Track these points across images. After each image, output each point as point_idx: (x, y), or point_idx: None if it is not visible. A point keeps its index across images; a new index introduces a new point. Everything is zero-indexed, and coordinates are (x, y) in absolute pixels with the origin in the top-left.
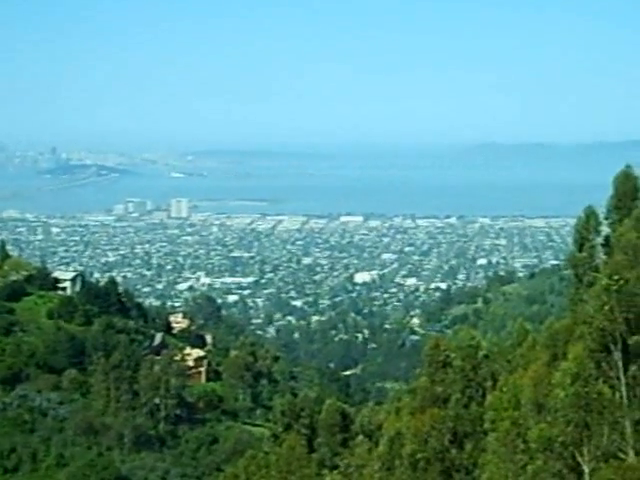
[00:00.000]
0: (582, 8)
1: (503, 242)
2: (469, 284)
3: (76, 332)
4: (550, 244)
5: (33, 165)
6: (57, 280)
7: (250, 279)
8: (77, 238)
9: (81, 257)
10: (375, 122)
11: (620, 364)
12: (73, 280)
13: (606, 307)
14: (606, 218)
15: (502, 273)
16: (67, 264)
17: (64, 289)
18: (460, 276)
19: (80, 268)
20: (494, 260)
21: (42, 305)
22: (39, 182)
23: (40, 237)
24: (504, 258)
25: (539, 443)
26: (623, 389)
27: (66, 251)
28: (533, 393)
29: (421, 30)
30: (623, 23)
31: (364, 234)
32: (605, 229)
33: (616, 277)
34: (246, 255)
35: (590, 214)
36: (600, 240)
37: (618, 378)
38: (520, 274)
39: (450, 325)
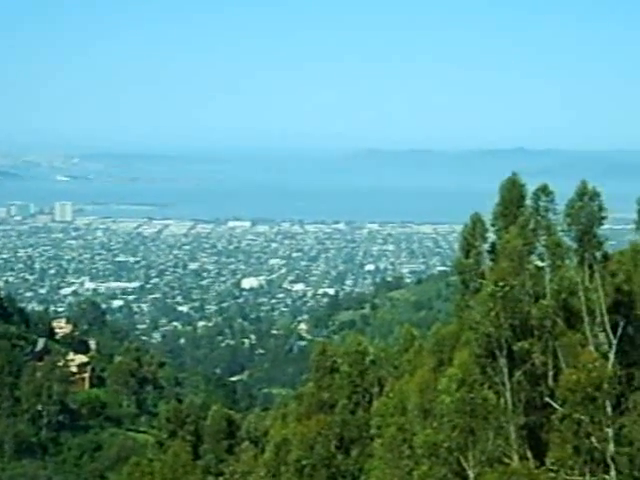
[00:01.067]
0: (454, 18)
1: (391, 248)
2: (357, 290)
3: None
4: (437, 250)
5: None
6: None
7: (135, 284)
8: None
9: None
10: (262, 126)
11: (505, 370)
12: None
13: (492, 313)
14: (492, 225)
15: (390, 279)
16: None
17: None
18: (348, 282)
19: None
20: (382, 266)
21: None
22: None
23: None
24: (392, 264)
25: (425, 449)
26: (508, 394)
27: None
28: (419, 399)
29: (310, 27)
30: (505, 37)
31: (252, 239)
32: (491, 236)
33: (501, 283)
34: (131, 260)
35: (476, 221)
36: (486, 247)
37: (503, 384)
38: (407, 280)
39: (337, 331)
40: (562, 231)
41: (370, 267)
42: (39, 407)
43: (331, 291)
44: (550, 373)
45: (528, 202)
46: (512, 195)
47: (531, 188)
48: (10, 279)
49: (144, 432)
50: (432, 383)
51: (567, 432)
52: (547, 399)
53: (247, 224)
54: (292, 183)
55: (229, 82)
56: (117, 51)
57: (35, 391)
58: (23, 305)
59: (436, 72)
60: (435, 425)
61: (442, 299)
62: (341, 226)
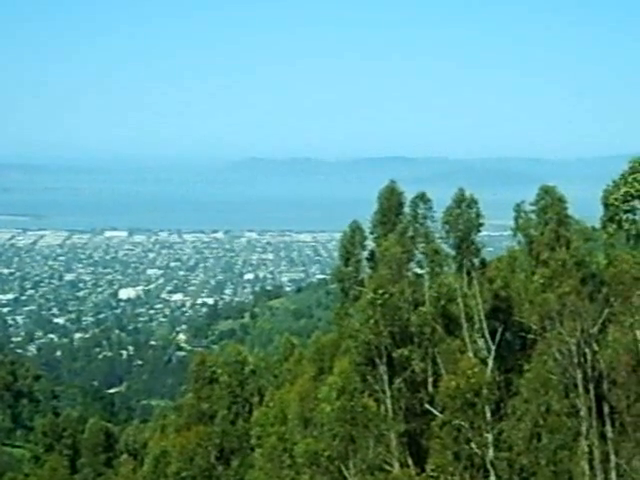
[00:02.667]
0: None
1: (270, 257)
2: (236, 299)
3: None
4: (317, 258)
5: None
6: None
7: (10, 296)
8: None
9: None
10: (138, 136)
11: (385, 377)
12: None
13: (371, 321)
14: (371, 233)
15: (269, 288)
16: None
17: None
18: (227, 291)
19: None
20: (261, 275)
21: None
22: None
23: None
24: (271, 273)
25: (305, 458)
26: (388, 402)
27: None
28: (299, 408)
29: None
30: (386, 47)
31: (129, 249)
32: (370, 244)
33: (381, 291)
34: (5, 271)
35: (355, 229)
36: (365, 254)
37: (383, 391)
38: (287, 288)
39: (217, 341)
40: (440, 238)
41: (249, 276)
42: None
43: (210, 301)
44: (430, 380)
45: (406, 210)
46: (390, 203)
47: (410, 196)
48: None
49: (20, 447)
50: (312, 392)
51: (447, 438)
52: (427, 406)
53: (124, 234)
54: (172, 193)
55: (108, 91)
56: None
57: None
58: None
59: (315, 81)
60: (316, 434)
61: (322, 307)
62: (220, 235)
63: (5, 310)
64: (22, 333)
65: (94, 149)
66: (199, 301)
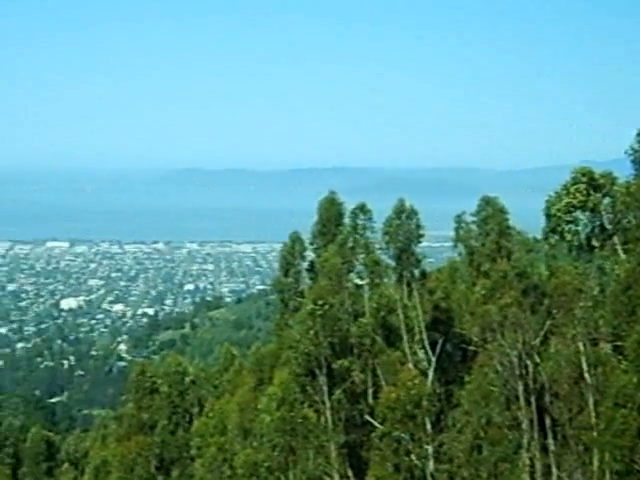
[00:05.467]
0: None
1: (210, 267)
2: (177, 309)
3: None
4: (257, 269)
5: None
6: None
7: None
8: None
9: None
10: (72, 145)
11: (325, 388)
12: None
13: (311, 332)
14: (311, 243)
15: (209, 298)
16: None
17: None
18: (168, 301)
19: None
20: (201, 285)
21: None
22: None
23: None
24: (211, 283)
25: (245, 468)
26: (328, 413)
27: None
28: (239, 418)
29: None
30: (314, 60)
31: (70, 260)
32: (310, 254)
33: (321, 302)
34: None
35: (295, 239)
36: (305, 265)
37: (323, 402)
38: (227, 299)
39: (158, 351)
40: (380, 249)
41: (190, 287)
42: None
43: (151, 311)
44: (370, 391)
45: (346, 220)
46: (330, 213)
47: (349, 207)
48: None
49: None
50: (252, 402)
51: (387, 450)
52: (367, 417)
53: (66, 244)
54: (110, 203)
55: (44, 101)
56: None
57: None
58: None
59: (250, 91)
60: (255, 444)
61: (262, 318)
62: (160, 246)
63: None
64: None
65: (26, 160)
66: (140, 311)
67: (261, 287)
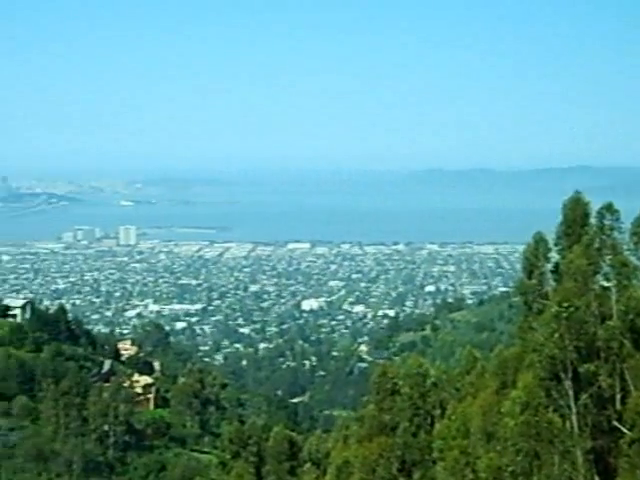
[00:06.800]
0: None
1: (451, 269)
2: (417, 311)
3: (26, 359)
4: (499, 271)
5: None
6: (7, 307)
7: (198, 306)
8: (27, 266)
9: (31, 285)
10: (317, 149)
11: (571, 392)
12: (23, 307)
13: (556, 335)
14: (555, 244)
15: (450, 300)
16: (17, 291)
17: (14, 316)
18: (408, 303)
19: (30, 295)
20: (442, 287)
21: None
22: None
23: None
24: (452, 285)
25: (488, 473)
26: (574, 418)
27: (16, 279)
28: (482, 422)
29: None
30: (549, 48)
31: (311, 261)
32: (554, 256)
33: (566, 304)
34: (194, 282)
35: (539, 240)
36: (549, 267)
37: (569, 407)
38: (469, 301)
39: (398, 352)
40: (628, 250)
41: (430, 288)
42: (106, 427)
43: (391, 312)
44: (618, 396)
45: (592, 221)
46: (575, 214)
47: (595, 207)
48: (77, 302)
49: (207, 452)
50: (495, 406)
51: (636, 457)
52: (615, 423)
53: (307, 246)
54: (351, 205)
55: (284, 109)
56: (175, 80)
57: (102, 411)
58: (90, 327)
59: (484, 93)
60: (499, 449)
61: (504, 320)
62: (400, 247)
63: (193, 320)
64: (209, 342)
65: (273, 162)
66: (380, 313)
67: (503, 289)
